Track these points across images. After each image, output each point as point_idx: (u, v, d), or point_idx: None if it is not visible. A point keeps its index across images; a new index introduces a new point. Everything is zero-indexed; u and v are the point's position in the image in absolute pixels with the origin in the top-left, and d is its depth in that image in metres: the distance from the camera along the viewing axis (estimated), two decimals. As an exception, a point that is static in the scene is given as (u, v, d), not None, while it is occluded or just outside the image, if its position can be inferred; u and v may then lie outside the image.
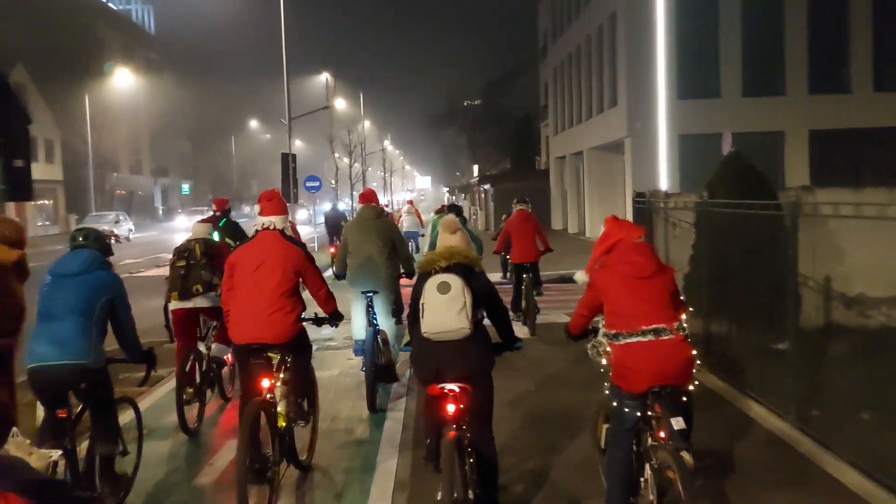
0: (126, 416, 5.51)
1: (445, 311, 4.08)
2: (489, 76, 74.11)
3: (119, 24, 63.62)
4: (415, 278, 4.57)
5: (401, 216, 23.34)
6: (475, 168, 53.65)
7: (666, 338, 3.97)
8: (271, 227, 5.22)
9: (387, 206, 23.03)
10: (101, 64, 45.80)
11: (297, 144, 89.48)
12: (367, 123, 58.83)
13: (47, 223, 46.57)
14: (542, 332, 10.47)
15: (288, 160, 20.84)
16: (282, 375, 5.08)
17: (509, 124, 63.30)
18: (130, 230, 40.68)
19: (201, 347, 6.85)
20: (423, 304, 4.17)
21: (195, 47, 70.93)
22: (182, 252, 6.72)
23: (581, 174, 31.62)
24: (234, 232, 10.09)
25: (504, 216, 11.62)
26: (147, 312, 8.66)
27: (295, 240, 5.72)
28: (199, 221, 7.61)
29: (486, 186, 39.68)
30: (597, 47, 27.67)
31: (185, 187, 77.06)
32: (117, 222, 38.97)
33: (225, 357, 7.10)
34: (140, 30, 70.04)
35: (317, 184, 27.72)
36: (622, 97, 24.32)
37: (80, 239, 4.65)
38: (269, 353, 5.02)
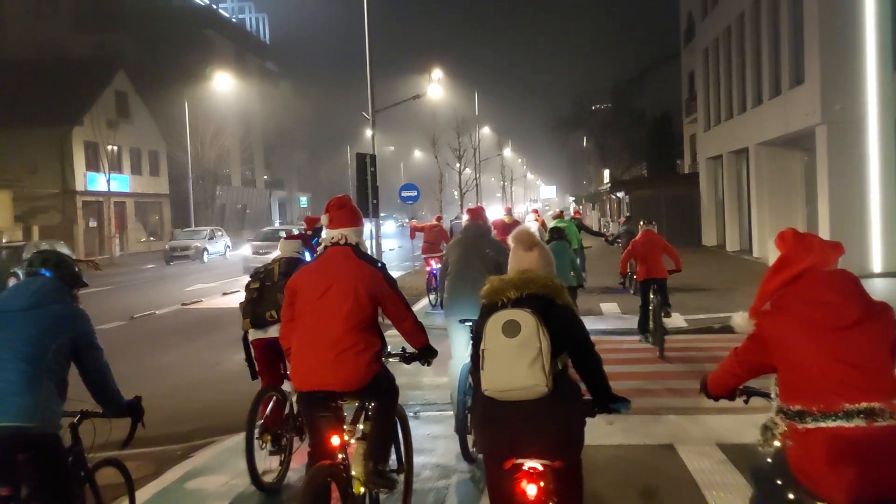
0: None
1: (514, 360, 3.07)
2: (618, 77, 68.83)
3: (231, 32, 62.08)
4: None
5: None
6: (606, 173, 47.55)
7: (883, 424, 2.56)
8: (342, 242, 4.14)
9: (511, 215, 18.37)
10: (210, 74, 43.32)
11: (417, 156, 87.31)
12: (484, 128, 54.16)
13: (151, 239, 44.58)
14: (673, 356, 9.95)
15: (365, 163, 16.20)
16: (360, 427, 4.16)
17: (643, 126, 57.62)
18: (227, 246, 37.65)
19: (286, 386, 5.54)
20: (484, 349, 3.15)
21: (310, 55, 68.93)
22: (258, 273, 5.76)
23: (745, 176, 25.26)
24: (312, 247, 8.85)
25: (642, 223, 11.10)
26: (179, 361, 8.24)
27: (372, 258, 4.30)
28: (286, 238, 6.37)
29: (620, 194, 33.86)
30: (769, 13, 21.46)
31: (303, 200, 75.26)
32: (211, 238, 36.00)
33: None
34: (253, 38, 68.58)
35: (414, 193, 23.09)
36: (812, 73, 18.08)
37: (37, 264, 3.73)
38: (339, 403, 4.05)
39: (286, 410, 5.56)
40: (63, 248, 25.21)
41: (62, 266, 3.80)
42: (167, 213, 47.30)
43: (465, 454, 5.79)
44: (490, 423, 3.24)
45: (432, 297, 15.28)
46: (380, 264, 4.28)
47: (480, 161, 39.06)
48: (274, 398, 5.50)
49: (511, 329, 3.09)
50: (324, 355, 3.96)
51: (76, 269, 3.84)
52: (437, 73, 29.88)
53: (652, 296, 10.29)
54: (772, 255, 22.29)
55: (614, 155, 60.92)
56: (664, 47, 45.87)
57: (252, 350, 5.75)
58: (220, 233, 37.86)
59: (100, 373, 3.68)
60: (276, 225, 65.70)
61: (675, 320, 12.40)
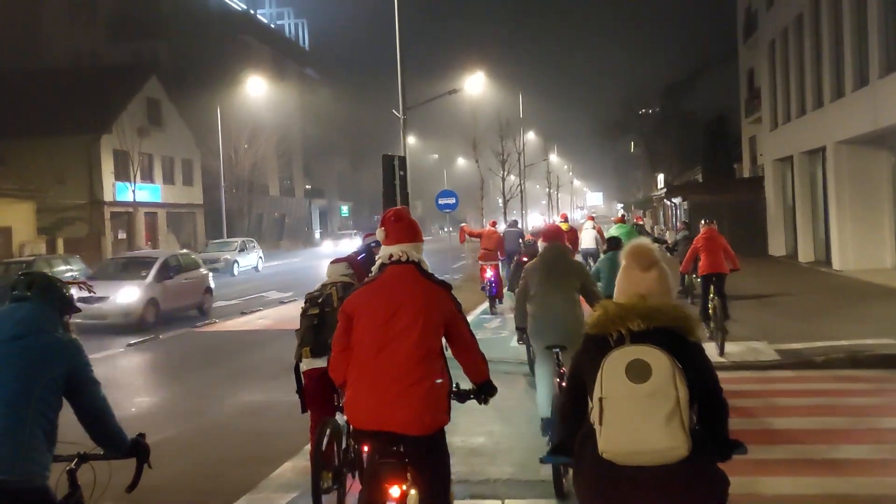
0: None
1: (644, 414, 2.49)
2: (668, 79, 66.07)
3: (269, 37, 60.97)
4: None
5: (580, 233, 19.36)
6: (659, 178, 44.92)
7: None
8: (403, 260, 3.58)
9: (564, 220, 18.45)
10: (246, 80, 41.99)
11: (460, 164, 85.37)
12: (529, 133, 51.97)
13: (184, 251, 43.20)
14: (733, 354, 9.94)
15: (393, 165, 14.24)
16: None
17: (695, 129, 54.89)
18: (260, 258, 36.07)
19: (340, 419, 5.13)
20: (600, 398, 2.56)
21: (351, 61, 67.66)
22: (316, 299, 5.35)
23: (820, 179, 22.63)
24: (360, 268, 8.14)
25: (703, 221, 11.34)
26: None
27: (438, 278, 3.73)
28: (333, 262, 5.85)
29: (677, 200, 31.35)
30: (851, -6, 18.97)
31: (344, 209, 74.14)
32: (243, 250, 34.42)
33: None
34: (292, 44, 67.44)
35: (452, 201, 21.05)
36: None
37: (21, 289, 3.26)
38: (402, 448, 3.40)
39: (343, 444, 5.24)
40: (78, 264, 23.83)
41: (51, 290, 3.33)
42: (201, 223, 46.04)
43: (560, 491, 5.22)
44: (610, 496, 2.61)
45: (486, 307, 15.46)
46: (446, 286, 3.72)
47: (525, 167, 36.88)
48: (329, 431, 5.11)
49: (639, 372, 2.52)
50: (387, 390, 3.40)
51: (67, 293, 3.38)
52: (478, 72, 27.83)
53: (712, 294, 10.63)
54: (856, 267, 19.68)
55: (664, 160, 58.38)
56: (718, 47, 43.47)
57: (304, 380, 5.33)
58: (252, 244, 36.28)
59: (98, 411, 3.21)
60: (318, 234, 64.84)
61: (765, 351, 10.27)
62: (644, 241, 3.15)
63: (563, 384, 5.56)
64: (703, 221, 11.52)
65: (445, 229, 22.43)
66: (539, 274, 6.37)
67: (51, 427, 3.04)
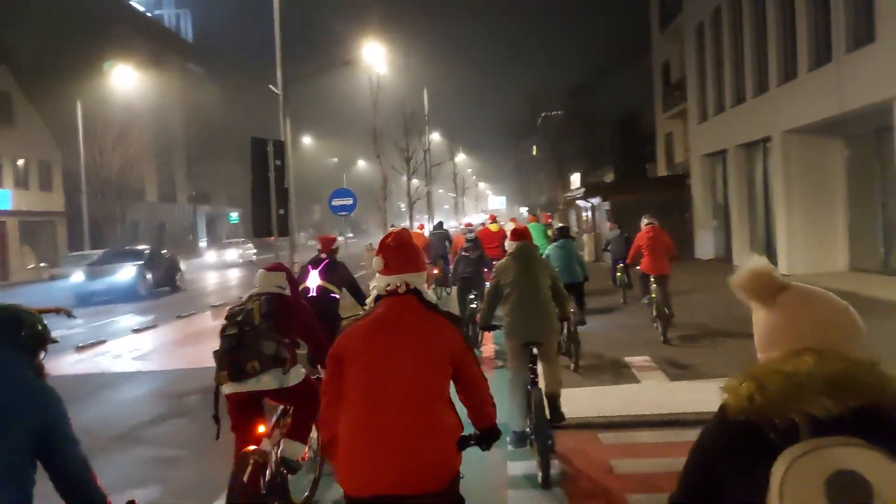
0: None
1: None
2: (573, 80, 64.86)
3: (146, 27, 55.31)
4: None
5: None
6: (575, 178, 42.64)
7: None
8: (401, 290, 3.04)
9: (469, 225, 16.48)
10: (110, 71, 36.82)
11: (360, 166, 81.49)
12: (434, 135, 48.80)
13: (43, 265, 37.63)
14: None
15: (265, 152, 10.65)
16: None
17: (603, 129, 53.48)
18: (130, 272, 31.28)
19: (265, 446, 4.76)
20: None
21: (242, 54, 62.66)
22: (234, 316, 4.71)
23: (762, 174, 20.37)
24: (346, 278, 7.93)
25: (645, 218, 11.52)
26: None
27: (443, 310, 3.15)
28: (265, 270, 5.19)
29: (595, 200, 28.83)
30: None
31: (234, 216, 68.81)
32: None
33: (299, 457, 4.96)
34: (172, 35, 61.79)
35: (349, 202, 17.53)
36: (890, 26, 13.19)
37: None
38: None
39: (267, 477, 4.64)
40: None
41: (18, 326, 2.69)
42: (63, 233, 40.39)
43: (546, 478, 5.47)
44: None
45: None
46: (453, 318, 3.14)
47: (431, 166, 33.71)
48: (253, 462, 4.53)
49: (852, 490, 1.38)
50: (392, 446, 2.75)
51: (40, 326, 2.76)
52: (375, 44, 24.29)
53: (654, 285, 11.06)
54: (806, 270, 17.33)
55: (570, 162, 56.77)
56: (627, 44, 41.96)
57: (223, 405, 4.78)
58: (117, 256, 31.43)
59: (77, 473, 2.62)
60: (203, 243, 59.52)
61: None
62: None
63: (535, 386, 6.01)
64: (644, 219, 11.60)
65: (347, 236, 18.91)
66: (514, 272, 6.46)
67: (23, 495, 2.48)
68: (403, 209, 47.43)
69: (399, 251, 3.11)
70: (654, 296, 11.05)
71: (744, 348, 9.89)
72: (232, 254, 44.00)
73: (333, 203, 17.81)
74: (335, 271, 7.95)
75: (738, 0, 20.99)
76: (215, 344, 4.77)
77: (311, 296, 7.50)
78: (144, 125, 43.48)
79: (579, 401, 7.63)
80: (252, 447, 4.65)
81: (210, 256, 44.57)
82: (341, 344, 2.99)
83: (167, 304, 21.81)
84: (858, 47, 14.37)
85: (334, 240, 8.43)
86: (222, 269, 40.09)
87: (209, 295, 24.83)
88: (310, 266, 7.91)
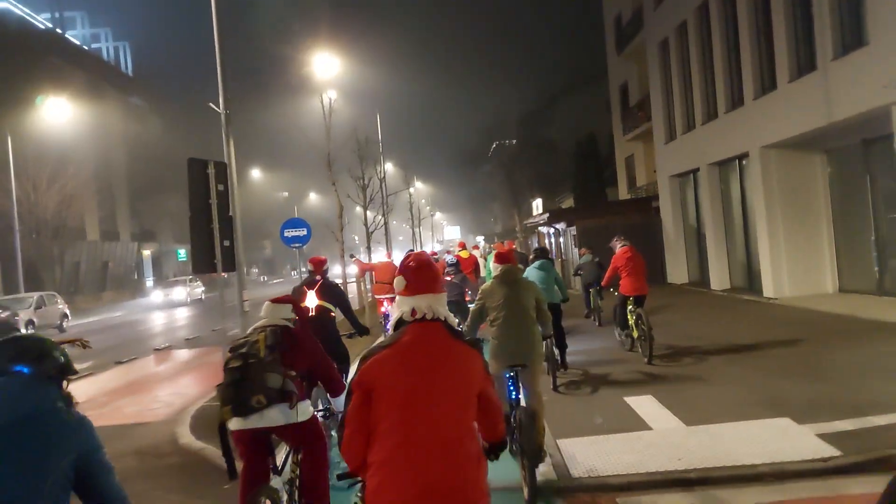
0: None
1: None
2: (526, 108, 64.62)
3: (82, 60, 52.89)
4: None
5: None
6: (536, 204, 41.61)
7: None
8: (429, 317, 3.00)
9: (434, 254, 17.22)
10: (42, 104, 34.64)
11: (312, 199, 79.60)
12: (388, 165, 47.48)
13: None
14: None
15: (205, 175, 9.13)
16: None
17: (559, 156, 53.04)
18: (65, 315, 29.12)
19: (276, 483, 4.56)
20: None
21: (184, 88, 60.68)
22: (238, 348, 4.52)
23: (738, 192, 19.42)
24: (340, 298, 8.35)
25: (618, 239, 11.65)
26: None
27: (466, 337, 3.13)
28: (273, 301, 4.90)
29: (560, 226, 27.72)
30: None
31: (182, 253, 66.26)
32: (40, 307, 27.36)
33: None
34: (112, 68, 59.47)
35: (302, 232, 15.99)
36: (882, 28, 12.32)
37: (6, 358, 2.65)
38: None
39: None
40: None
41: (46, 357, 2.70)
42: (-8, 276, 37.76)
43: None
44: None
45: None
46: (477, 346, 3.11)
47: (388, 195, 32.26)
48: (263, 501, 4.33)
49: None
50: (429, 477, 2.70)
51: (62, 356, 2.76)
52: (326, 54, 22.92)
53: (631, 307, 11.17)
54: (792, 294, 16.29)
55: (525, 189, 56.06)
56: (579, 71, 41.77)
57: (231, 443, 4.51)
58: (53, 299, 29.19)
59: (120, 501, 2.63)
60: (150, 282, 56.78)
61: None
62: None
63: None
64: (618, 241, 11.63)
65: (300, 271, 17.29)
66: (499, 295, 6.62)
67: None
68: (357, 241, 45.81)
69: (421, 271, 3.08)
70: (634, 318, 11.08)
71: (727, 364, 10.50)
72: (179, 293, 41.73)
73: (286, 234, 16.23)
74: (331, 291, 8.27)
75: (705, 12, 20.22)
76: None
77: (311, 315, 7.72)
78: (83, 161, 41.24)
79: (588, 453, 6.82)
80: (263, 484, 4.47)
81: (156, 296, 42.19)
82: (371, 373, 2.90)
83: (106, 347, 19.86)
84: (847, 53, 13.49)
85: (325, 261, 8.78)
86: (168, 309, 37.93)
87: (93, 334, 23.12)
88: (306, 287, 8.19)
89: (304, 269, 30.46)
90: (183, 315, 33.67)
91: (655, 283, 21.53)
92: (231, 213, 10.37)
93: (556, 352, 9.70)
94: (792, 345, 11.42)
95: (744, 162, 18.88)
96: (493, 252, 15.85)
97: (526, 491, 5.72)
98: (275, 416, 4.39)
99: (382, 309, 14.93)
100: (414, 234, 52.01)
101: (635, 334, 11.10)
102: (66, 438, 2.45)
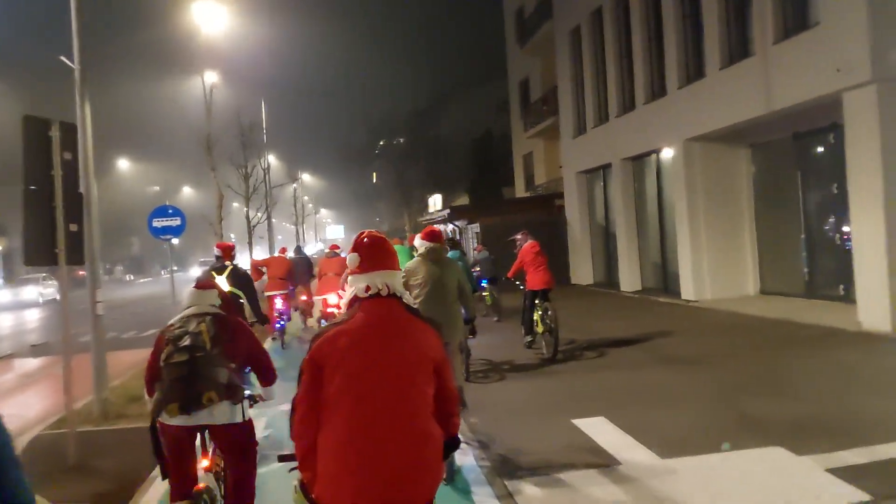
0: None
1: None
2: (417, 105, 63.15)
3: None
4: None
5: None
6: (434, 200, 39.90)
7: None
8: (384, 293, 2.91)
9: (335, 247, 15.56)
10: None
11: (186, 193, 74.63)
12: (271, 157, 44.59)
13: None
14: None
15: (48, 138, 6.77)
16: None
17: (452, 153, 51.79)
18: None
19: (209, 480, 4.41)
20: None
21: (32, 52, 54.88)
22: (177, 340, 4.13)
23: (654, 188, 18.39)
24: (245, 284, 8.31)
25: (522, 235, 11.60)
26: None
27: (422, 315, 3.07)
28: (197, 287, 4.56)
29: (460, 223, 26.15)
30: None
31: None
32: None
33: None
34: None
35: (176, 222, 13.53)
36: (843, 4, 11.32)
37: None
38: None
39: None
40: None
41: None
42: None
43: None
44: None
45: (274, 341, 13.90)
46: (434, 325, 3.07)
47: (272, 188, 29.67)
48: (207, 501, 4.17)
49: None
50: (385, 458, 2.63)
51: None
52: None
53: (538, 301, 11.04)
54: (713, 296, 15.29)
55: (414, 188, 54.61)
56: (473, 68, 40.60)
57: (164, 439, 4.23)
58: None
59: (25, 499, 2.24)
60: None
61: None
62: None
63: None
64: (524, 234, 11.61)
65: (170, 269, 14.75)
66: (423, 273, 6.61)
67: None
68: (234, 238, 42.73)
69: (375, 248, 3.02)
70: (540, 312, 10.97)
71: (674, 375, 9.27)
72: (31, 292, 37.28)
73: (155, 224, 13.68)
74: (239, 277, 8.24)
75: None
76: None
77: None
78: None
79: (552, 499, 5.42)
80: (201, 485, 4.30)
81: (3, 296, 37.52)
82: (323, 349, 2.80)
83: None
84: (791, 35, 12.48)
85: (234, 246, 8.81)
86: (17, 311, 33.67)
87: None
88: (214, 273, 8.03)
89: (175, 268, 27.38)
90: (34, 317, 29.89)
91: (559, 283, 20.30)
92: (81, 189, 7.99)
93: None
94: (740, 353, 10.28)
95: (661, 156, 17.86)
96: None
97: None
98: (220, 414, 4.14)
99: (276, 306, 13.82)
100: (298, 232, 49.15)
101: (540, 329, 10.98)
102: None
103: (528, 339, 11.47)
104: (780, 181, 15.07)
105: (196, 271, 42.49)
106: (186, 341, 4.13)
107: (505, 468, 6.13)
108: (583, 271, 22.91)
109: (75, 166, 7.63)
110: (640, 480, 5.61)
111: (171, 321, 4.36)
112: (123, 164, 65.22)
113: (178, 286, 15.85)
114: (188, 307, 4.43)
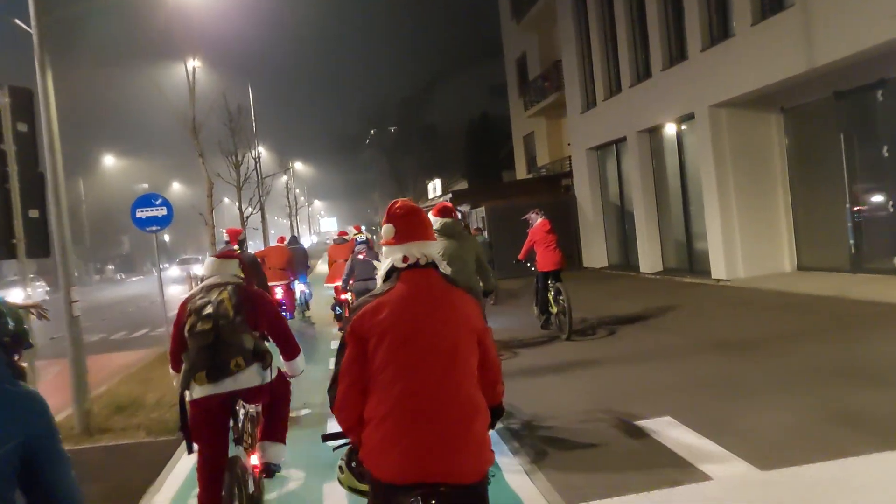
0: None
1: None
2: (409, 91, 61.97)
3: None
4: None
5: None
6: (433, 185, 38.60)
7: None
8: (422, 263, 2.83)
9: (343, 234, 15.24)
10: None
11: (176, 189, 73.15)
12: (261, 149, 43.24)
13: None
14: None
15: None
16: None
17: (448, 138, 50.57)
18: None
19: (240, 453, 4.18)
20: None
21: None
22: (202, 309, 4.16)
23: (677, 162, 17.16)
24: (255, 268, 8.11)
25: (535, 213, 11.20)
26: None
27: (460, 283, 2.99)
28: (216, 256, 4.68)
29: (464, 207, 24.94)
30: None
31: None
32: None
33: (281, 459, 4.58)
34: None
35: (162, 212, 12.27)
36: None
37: None
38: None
39: (251, 488, 4.19)
40: None
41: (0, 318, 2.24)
42: None
43: None
44: None
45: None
46: (474, 293, 3.16)
47: (264, 178, 28.33)
48: (237, 473, 3.99)
49: None
50: (435, 430, 2.58)
51: (16, 324, 2.32)
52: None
53: (552, 283, 10.70)
54: (747, 274, 14.03)
55: (408, 176, 53.53)
56: (467, 51, 39.36)
57: (192, 411, 4.18)
58: None
59: (68, 499, 2.11)
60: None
61: None
62: None
63: None
64: (536, 213, 11.22)
65: (157, 265, 13.50)
66: (441, 248, 6.38)
67: None
68: (224, 235, 41.47)
69: (409, 217, 2.91)
70: (553, 293, 10.75)
71: (744, 364, 7.90)
72: (17, 295, 35.87)
73: (139, 215, 12.41)
74: (249, 263, 7.79)
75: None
76: None
77: None
78: None
79: None
80: (232, 456, 4.17)
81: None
82: (366, 322, 2.73)
83: None
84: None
85: (241, 231, 8.97)
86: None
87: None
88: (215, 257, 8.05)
89: (165, 265, 26.01)
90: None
91: (570, 267, 19.22)
92: (41, 168, 6.74)
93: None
94: (805, 335, 9.09)
95: (684, 126, 16.65)
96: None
97: None
98: (249, 378, 4.17)
99: (276, 297, 13.16)
100: (291, 224, 47.84)
101: (554, 310, 10.75)
102: (10, 419, 2.01)
103: (543, 318, 11.15)
104: (817, 146, 13.89)
105: (175, 271, 40.97)
106: (209, 310, 4.14)
107: (563, 484, 4.97)
108: (596, 254, 21.73)
109: (34, 141, 6.39)
110: (744, 501, 4.47)
111: (192, 291, 4.38)
112: (110, 160, 63.68)
113: (138, 288, 14.52)
114: (210, 277, 4.44)
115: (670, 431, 5.89)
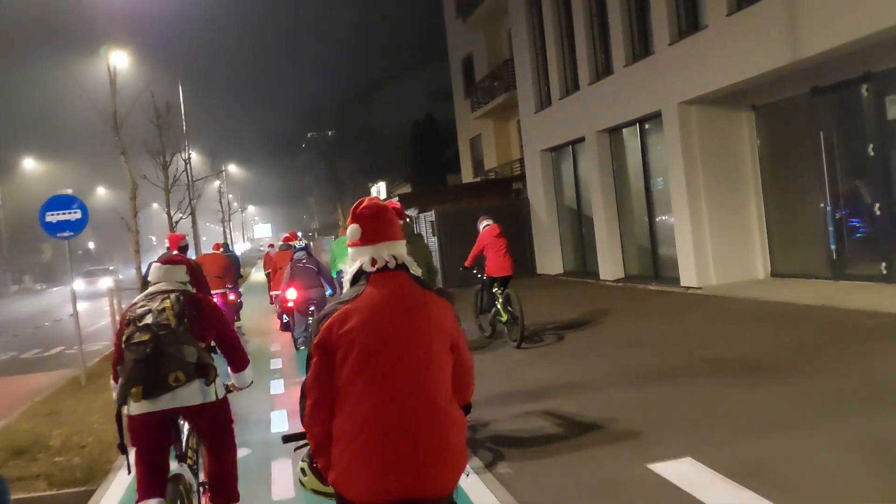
0: None
1: None
2: (348, 94, 60.50)
3: None
4: None
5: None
6: (377, 188, 37.08)
7: None
8: (392, 266, 2.68)
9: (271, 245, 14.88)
10: None
11: (101, 195, 69.67)
12: (192, 154, 41.03)
13: None
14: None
15: None
16: None
17: (389, 142, 49.31)
18: None
19: (183, 471, 4.05)
20: None
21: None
22: (140, 318, 3.89)
23: (639, 163, 16.25)
24: (196, 277, 6.36)
25: (484, 218, 10.92)
26: None
27: (432, 286, 2.81)
28: (160, 262, 4.35)
29: (412, 212, 23.67)
30: None
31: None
32: None
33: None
34: None
35: (75, 216, 10.71)
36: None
37: None
38: None
39: None
40: None
41: None
42: None
43: None
44: None
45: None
46: (446, 296, 2.83)
47: (195, 180, 26.51)
48: (180, 492, 3.83)
49: None
50: (409, 444, 2.45)
51: None
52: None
53: (496, 289, 10.52)
54: (719, 282, 13.49)
55: (348, 181, 51.95)
56: (407, 53, 38.39)
57: (131, 427, 3.93)
58: None
59: None
60: None
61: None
62: None
63: None
64: (484, 218, 10.94)
65: (70, 277, 11.79)
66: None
67: None
68: (155, 242, 39.26)
69: (376, 217, 2.74)
70: (501, 300, 10.46)
71: (742, 386, 7.03)
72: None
73: (48, 219, 10.80)
74: (189, 270, 7.14)
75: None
76: None
77: None
78: None
79: None
80: (175, 473, 3.98)
81: None
82: (332, 331, 2.56)
83: None
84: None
85: (184, 237, 8.93)
86: None
87: None
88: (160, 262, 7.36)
89: (75, 275, 24.09)
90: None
91: (523, 274, 18.23)
92: None
93: None
94: (808, 352, 8.13)
95: (647, 126, 15.79)
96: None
97: None
98: (190, 395, 3.89)
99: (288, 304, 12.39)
100: (224, 231, 45.68)
101: (504, 318, 10.41)
102: None
103: (490, 328, 11.00)
104: (793, 146, 13.15)
105: (80, 284, 37.31)
106: (148, 319, 3.90)
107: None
108: (550, 260, 20.75)
109: None
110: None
111: (135, 299, 4.12)
112: (29, 163, 60.13)
113: (57, 299, 12.73)
114: (154, 284, 4.19)
115: (695, 477, 4.80)
